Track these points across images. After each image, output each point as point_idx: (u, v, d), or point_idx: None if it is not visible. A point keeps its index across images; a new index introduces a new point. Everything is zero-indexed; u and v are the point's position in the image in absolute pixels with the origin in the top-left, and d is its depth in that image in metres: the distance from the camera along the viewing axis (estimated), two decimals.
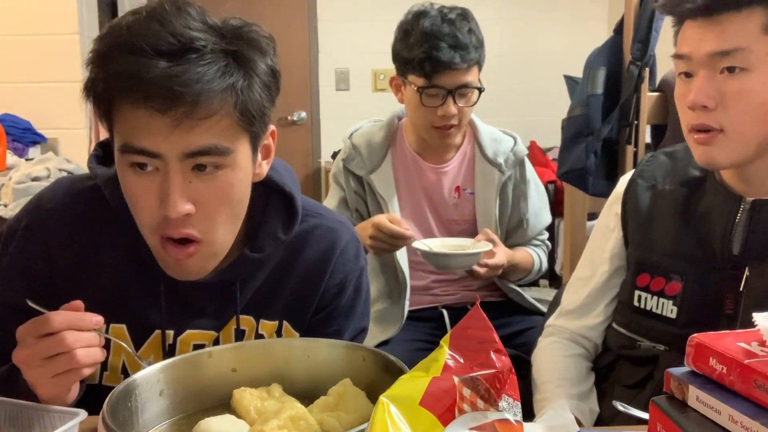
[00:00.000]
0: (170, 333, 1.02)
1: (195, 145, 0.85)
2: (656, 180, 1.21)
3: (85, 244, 1.00)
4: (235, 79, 0.86)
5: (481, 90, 1.74)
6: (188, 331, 1.02)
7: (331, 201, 1.88)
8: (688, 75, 1.08)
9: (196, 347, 1.03)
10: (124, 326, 1.00)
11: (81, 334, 0.82)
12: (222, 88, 0.85)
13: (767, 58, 1.00)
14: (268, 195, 1.03)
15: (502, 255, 1.73)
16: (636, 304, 1.18)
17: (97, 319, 0.85)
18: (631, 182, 1.24)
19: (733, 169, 1.11)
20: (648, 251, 1.18)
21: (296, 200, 1.04)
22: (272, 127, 0.98)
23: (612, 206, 1.28)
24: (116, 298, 1.00)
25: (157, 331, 1.01)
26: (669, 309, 1.13)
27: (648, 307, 1.17)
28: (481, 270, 1.68)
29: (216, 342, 1.04)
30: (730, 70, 1.02)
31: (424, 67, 1.66)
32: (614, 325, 1.24)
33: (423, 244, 1.68)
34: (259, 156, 0.97)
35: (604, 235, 1.28)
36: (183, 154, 0.85)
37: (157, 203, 0.87)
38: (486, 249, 1.64)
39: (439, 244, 1.69)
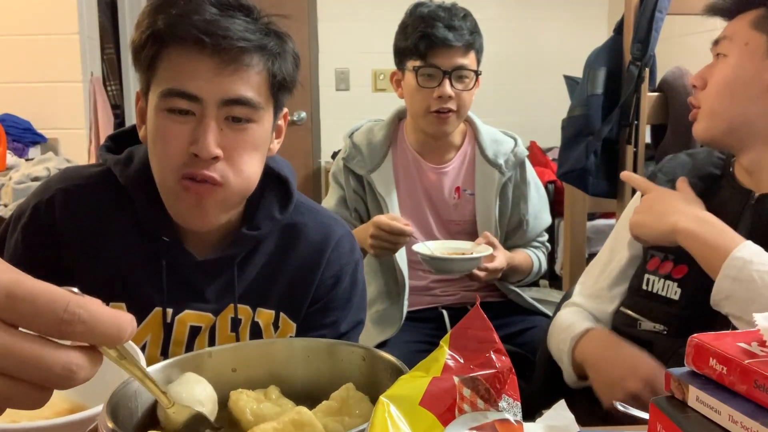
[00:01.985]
0: (169, 311, 1.04)
1: (234, 93, 0.94)
2: (676, 175, 1.26)
3: (92, 223, 1.04)
4: (274, 43, 0.98)
5: (477, 73, 1.74)
6: (187, 311, 1.05)
7: (329, 200, 1.88)
8: None
9: (193, 328, 1.06)
10: (123, 305, 1.03)
11: None
12: (262, 45, 0.95)
13: (744, 47, 1.13)
14: (265, 180, 1.08)
15: (502, 258, 1.73)
16: (645, 287, 1.23)
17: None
18: (651, 176, 1.30)
19: (740, 164, 1.19)
20: None
21: (291, 184, 1.10)
22: (285, 109, 1.07)
23: (635, 201, 1.33)
24: (118, 276, 1.03)
25: (157, 309, 1.04)
26: (673, 291, 1.18)
27: (654, 290, 1.22)
28: (481, 274, 1.69)
29: (213, 327, 1.06)
30: (719, 56, 1.17)
31: (419, 47, 1.69)
32: (621, 307, 1.29)
33: (423, 246, 1.68)
34: (273, 133, 1.05)
35: (626, 227, 1.31)
36: (221, 101, 0.93)
37: (187, 144, 0.94)
38: (486, 253, 1.65)
39: (439, 247, 1.69)
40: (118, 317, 0.44)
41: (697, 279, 1.14)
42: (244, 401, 0.78)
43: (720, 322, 1.07)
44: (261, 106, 0.97)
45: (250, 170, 0.99)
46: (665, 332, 1.17)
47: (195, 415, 0.68)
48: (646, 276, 1.24)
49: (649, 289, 1.22)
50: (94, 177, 1.07)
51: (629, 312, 1.26)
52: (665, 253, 1.21)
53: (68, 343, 0.42)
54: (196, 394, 0.69)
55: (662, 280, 1.20)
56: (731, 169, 1.22)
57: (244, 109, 0.95)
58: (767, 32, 1.10)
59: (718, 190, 1.19)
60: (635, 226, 1.15)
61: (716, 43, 1.17)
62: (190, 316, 1.05)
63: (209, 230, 1.03)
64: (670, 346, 1.15)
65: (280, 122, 1.07)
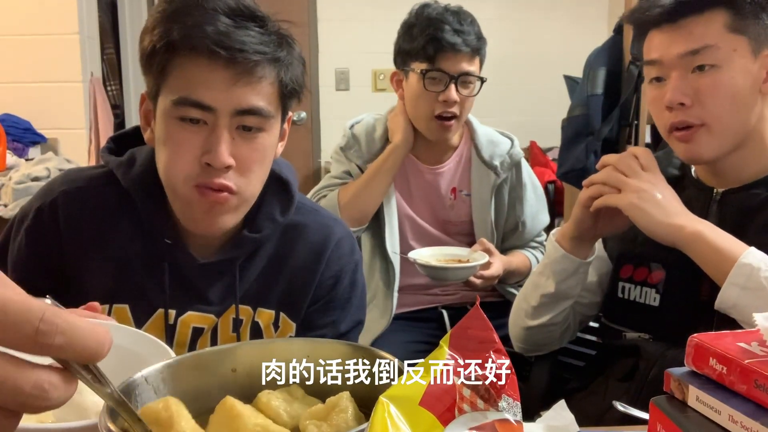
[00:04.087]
0: (172, 313, 1.05)
1: (247, 104, 0.94)
2: None
3: (95, 225, 1.04)
4: (284, 53, 0.98)
5: (482, 80, 1.75)
6: (189, 312, 1.05)
7: (336, 169, 1.87)
8: (659, 79, 1.14)
9: (195, 329, 1.06)
10: (127, 306, 1.03)
11: None
12: (275, 57, 0.96)
13: (733, 54, 1.08)
14: (267, 182, 1.08)
15: (498, 265, 1.73)
16: (620, 295, 1.23)
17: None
18: None
19: (708, 166, 1.18)
20: (631, 243, 1.22)
21: (292, 186, 1.11)
22: (290, 113, 1.07)
23: None
24: (121, 278, 1.03)
25: (160, 311, 1.04)
26: (652, 297, 1.19)
27: (631, 298, 1.22)
28: (477, 281, 1.70)
29: (215, 328, 1.06)
30: (701, 68, 1.09)
31: (428, 50, 1.69)
32: (603, 319, 1.29)
33: (419, 254, 1.68)
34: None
35: None
36: (234, 111, 0.94)
37: (200, 153, 0.94)
38: (482, 261, 1.65)
39: (436, 253, 1.70)
40: (97, 331, 0.39)
41: (676, 284, 1.16)
42: (276, 403, 0.78)
43: (704, 322, 1.08)
44: (272, 114, 0.98)
45: (258, 178, 1.00)
46: (650, 339, 1.18)
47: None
48: (621, 284, 1.24)
49: (626, 297, 1.22)
50: (97, 179, 1.07)
51: (612, 325, 1.26)
52: (636, 260, 1.22)
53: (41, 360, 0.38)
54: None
55: (638, 287, 1.21)
56: (691, 169, 1.22)
57: (256, 119, 0.96)
58: (745, 33, 1.08)
59: (682, 191, 1.19)
60: (635, 210, 1.08)
61: (694, 53, 1.08)
62: (192, 318, 1.05)
63: (215, 235, 1.04)
64: (657, 349, 1.15)
65: (284, 126, 1.08)
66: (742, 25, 1.08)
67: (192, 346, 1.06)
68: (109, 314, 0.93)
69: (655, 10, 1.12)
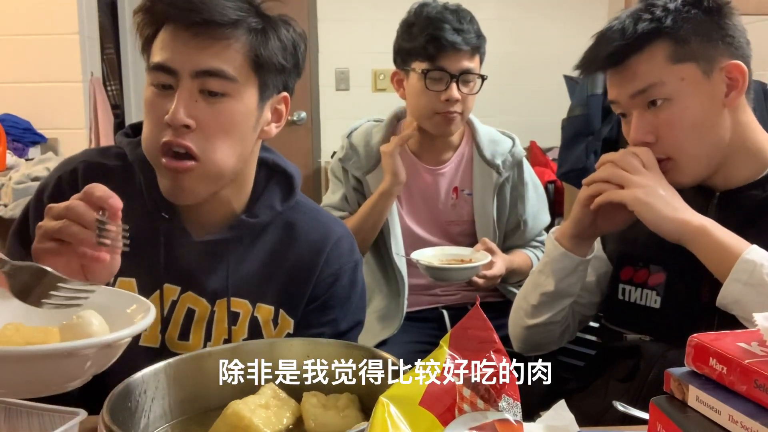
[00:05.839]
0: (169, 290, 1.07)
1: (206, 65, 0.96)
2: None
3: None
4: (252, 20, 0.99)
5: (483, 78, 1.75)
6: (189, 292, 1.07)
7: (334, 195, 1.88)
8: (624, 115, 1.16)
9: (190, 311, 1.07)
10: (133, 280, 1.06)
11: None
12: (238, 19, 0.97)
13: (682, 84, 1.08)
14: (271, 175, 1.12)
15: (500, 265, 1.73)
16: (620, 297, 1.23)
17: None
18: None
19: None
20: (631, 244, 1.23)
21: (295, 179, 1.13)
22: (286, 93, 1.07)
23: None
24: (127, 253, 1.02)
25: (164, 285, 1.06)
26: (653, 299, 1.19)
27: (632, 300, 1.22)
28: (480, 281, 1.70)
29: (211, 316, 1.08)
30: (654, 103, 1.09)
31: (428, 49, 1.69)
32: (604, 321, 1.29)
33: (421, 254, 1.68)
34: (269, 115, 1.06)
35: None
36: (194, 72, 0.96)
37: (164, 114, 0.96)
38: (485, 261, 1.65)
39: (438, 254, 1.70)
40: None
41: (676, 286, 1.16)
42: (310, 408, 0.78)
43: (705, 324, 1.08)
44: (237, 80, 0.98)
45: (226, 146, 1.00)
46: (652, 341, 1.18)
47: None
48: (621, 286, 1.24)
49: (626, 299, 1.23)
50: (110, 156, 1.11)
51: (613, 327, 1.26)
52: (636, 262, 1.22)
53: None
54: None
55: (639, 289, 1.21)
56: None
57: (218, 82, 0.97)
58: (691, 59, 1.08)
59: (682, 192, 1.18)
60: (641, 205, 1.07)
61: (642, 92, 1.09)
62: (190, 298, 1.07)
63: (197, 206, 1.05)
64: (658, 350, 1.15)
65: (280, 106, 1.08)
66: (686, 53, 1.08)
67: (185, 331, 1.07)
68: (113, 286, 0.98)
69: (597, 60, 1.14)
